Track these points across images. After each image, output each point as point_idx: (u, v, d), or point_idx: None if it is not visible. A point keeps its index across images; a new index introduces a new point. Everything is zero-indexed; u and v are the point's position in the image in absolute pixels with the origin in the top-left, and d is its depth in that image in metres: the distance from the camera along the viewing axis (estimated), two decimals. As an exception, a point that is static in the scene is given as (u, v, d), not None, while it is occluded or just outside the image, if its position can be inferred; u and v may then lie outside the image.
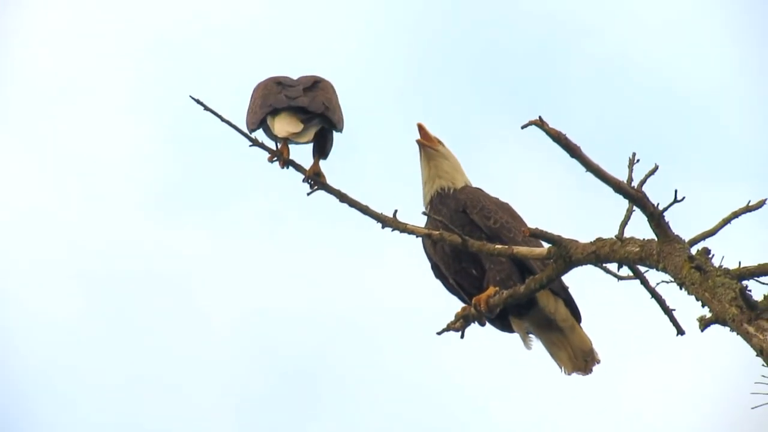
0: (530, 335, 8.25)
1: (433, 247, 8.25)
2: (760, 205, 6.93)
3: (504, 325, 8.29)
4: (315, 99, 8.23)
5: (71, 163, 12.85)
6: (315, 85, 8.32)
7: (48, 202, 12.52)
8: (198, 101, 7.94)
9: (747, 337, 6.15)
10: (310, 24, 13.33)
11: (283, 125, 8.16)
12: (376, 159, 8.65)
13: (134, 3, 13.48)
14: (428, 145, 8.35)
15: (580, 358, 8.20)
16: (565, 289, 8.15)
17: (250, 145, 8.17)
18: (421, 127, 8.38)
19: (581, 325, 8.21)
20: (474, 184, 8.41)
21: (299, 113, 8.17)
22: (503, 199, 8.35)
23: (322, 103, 8.19)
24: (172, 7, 13.33)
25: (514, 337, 8.31)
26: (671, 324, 7.32)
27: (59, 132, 12.91)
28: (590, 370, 8.19)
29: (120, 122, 13.08)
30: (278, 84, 8.32)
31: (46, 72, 13.17)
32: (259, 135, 8.27)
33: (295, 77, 8.41)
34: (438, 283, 8.40)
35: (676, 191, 6.70)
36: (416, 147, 8.37)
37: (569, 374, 8.22)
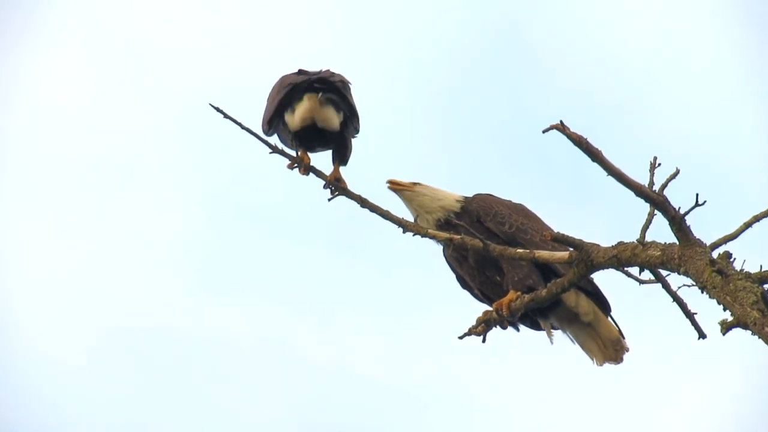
0: (554, 330, 8.25)
1: (457, 261, 8.27)
2: (781, 208, 6.93)
3: (533, 323, 8.30)
4: (333, 77, 8.25)
5: (114, 237, 12.92)
6: (332, 73, 8.35)
7: (94, 278, 12.59)
8: (218, 109, 7.95)
9: (768, 341, 6.15)
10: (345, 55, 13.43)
11: (302, 106, 8.15)
12: (395, 166, 8.66)
13: (174, 66, 13.54)
14: (401, 188, 8.37)
15: (610, 348, 8.17)
16: (590, 281, 8.12)
17: (270, 152, 8.17)
18: (392, 182, 8.41)
19: (611, 315, 8.19)
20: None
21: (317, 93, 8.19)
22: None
23: (341, 80, 8.22)
24: (215, 72, 13.38)
25: (536, 338, 8.34)
26: (693, 328, 7.31)
27: (103, 208, 12.99)
28: (621, 359, 8.17)
29: (164, 196, 13.14)
30: (297, 73, 8.34)
31: (92, 149, 13.24)
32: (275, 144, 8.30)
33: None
34: (466, 294, 8.43)
35: (697, 195, 6.70)
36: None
37: (601, 365, 8.20)
